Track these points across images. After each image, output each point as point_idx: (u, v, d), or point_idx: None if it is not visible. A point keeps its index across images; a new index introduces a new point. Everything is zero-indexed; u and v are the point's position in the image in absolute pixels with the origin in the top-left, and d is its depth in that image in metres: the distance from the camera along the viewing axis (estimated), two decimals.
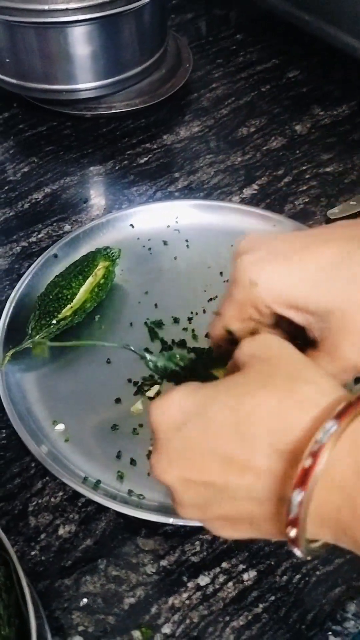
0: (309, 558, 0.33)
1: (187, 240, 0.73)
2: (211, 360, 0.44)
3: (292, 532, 0.31)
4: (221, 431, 0.33)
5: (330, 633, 0.48)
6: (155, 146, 0.85)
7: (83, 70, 0.81)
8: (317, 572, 0.51)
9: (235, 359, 0.37)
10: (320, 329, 0.39)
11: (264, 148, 0.85)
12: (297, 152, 0.84)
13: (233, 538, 0.45)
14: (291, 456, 0.31)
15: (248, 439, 0.32)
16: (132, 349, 0.50)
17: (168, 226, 0.74)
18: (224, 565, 0.51)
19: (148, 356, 0.45)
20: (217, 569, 0.51)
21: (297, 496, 0.30)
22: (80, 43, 0.78)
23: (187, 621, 0.49)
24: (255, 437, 0.32)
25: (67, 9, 0.73)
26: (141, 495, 0.53)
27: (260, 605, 0.49)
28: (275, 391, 0.33)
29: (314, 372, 0.34)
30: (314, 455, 0.30)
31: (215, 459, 0.33)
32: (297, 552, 0.32)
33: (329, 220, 0.76)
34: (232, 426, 0.32)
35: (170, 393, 0.36)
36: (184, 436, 0.34)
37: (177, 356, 0.44)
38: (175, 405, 0.35)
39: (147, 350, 0.51)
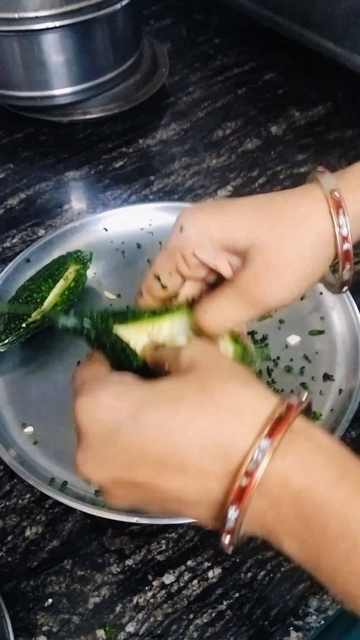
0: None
1: (160, 243, 0.73)
2: (121, 316, 0.44)
3: (226, 539, 0.32)
4: (155, 437, 0.32)
5: (291, 628, 0.48)
6: (131, 150, 0.86)
7: (57, 76, 0.82)
8: (282, 569, 0.51)
9: (176, 362, 0.37)
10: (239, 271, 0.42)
11: (240, 150, 0.85)
12: (272, 153, 0.85)
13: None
14: (225, 467, 0.31)
15: (183, 447, 0.32)
16: (52, 316, 0.48)
17: (142, 229, 0.74)
18: (189, 563, 0.51)
19: (61, 319, 0.44)
20: (183, 567, 0.51)
21: (234, 513, 0.31)
22: (53, 50, 0.79)
23: (152, 619, 0.49)
24: (190, 446, 0.32)
25: (37, 17, 0.74)
26: None
27: (225, 602, 0.49)
28: (211, 397, 0.33)
29: (246, 375, 0.35)
30: (250, 474, 0.30)
31: (147, 463, 0.33)
32: (228, 550, 0.33)
33: None
34: (167, 434, 0.32)
35: (100, 392, 0.35)
36: (116, 440, 0.33)
37: (87, 315, 0.43)
38: (106, 407, 0.34)
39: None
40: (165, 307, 0.46)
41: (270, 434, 0.30)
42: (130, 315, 0.44)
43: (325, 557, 0.30)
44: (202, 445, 0.31)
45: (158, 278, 0.45)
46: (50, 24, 0.75)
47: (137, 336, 0.43)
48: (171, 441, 0.32)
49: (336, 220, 0.40)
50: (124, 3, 0.79)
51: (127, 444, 0.33)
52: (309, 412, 0.34)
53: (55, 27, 0.76)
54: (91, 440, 0.34)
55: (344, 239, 0.40)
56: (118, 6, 0.79)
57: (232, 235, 0.41)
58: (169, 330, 0.44)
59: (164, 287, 0.45)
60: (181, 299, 0.46)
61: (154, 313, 0.45)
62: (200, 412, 0.32)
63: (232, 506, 0.31)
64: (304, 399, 0.33)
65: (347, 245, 0.40)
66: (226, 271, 0.43)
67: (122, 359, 0.42)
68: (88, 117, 0.87)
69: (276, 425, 0.31)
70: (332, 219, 0.40)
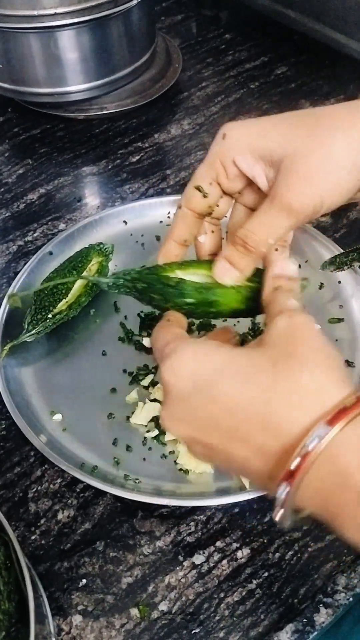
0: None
1: None
2: (160, 268, 0.45)
3: (278, 514, 0.34)
4: (226, 408, 0.35)
5: (321, 605, 0.49)
6: (146, 145, 0.87)
7: (74, 72, 0.83)
8: (309, 549, 0.52)
9: (266, 330, 0.38)
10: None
11: None
12: None
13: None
14: (283, 447, 0.33)
15: (248, 422, 0.34)
16: (90, 278, 0.49)
17: (160, 222, 0.76)
18: (218, 544, 0.53)
19: (103, 280, 0.46)
20: (212, 548, 0.52)
21: (284, 489, 0.32)
22: (70, 46, 0.80)
23: (183, 598, 0.50)
24: (255, 422, 0.34)
25: (55, 14, 0.75)
26: (137, 479, 0.55)
27: (254, 582, 0.51)
28: (286, 377, 0.34)
29: (329, 358, 0.35)
30: (304, 456, 0.32)
31: (217, 429, 0.35)
32: (282, 524, 0.34)
33: None
34: (236, 407, 0.34)
35: (182, 355, 0.37)
36: (193, 404, 0.36)
37: (127, 272, 0.45)
38: (187, 371, 0.36)
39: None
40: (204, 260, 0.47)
41: (331, 422, 0.31)
42: (176, 265, 0.45)
43: None
44: (265, 423, 0.33)
45: (198, 189, 0.45)
46: (68, 21, 0.76)
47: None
48: (239, 415, 0.34)
49: None
50: None
51: (202, 409, 0.36)
52: None
53: (73, 24, 0.77)
54: (174, 400, 0.37)
55: None
56: (134, 2, 0.80)
57: (269, 144, 0.41)
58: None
59: (205, 196, 0.45)
60: (219, 212, 0.47)
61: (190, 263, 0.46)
62: (270, 390, 0.33)
63: (282, 483, 0.32)
64: None
65: None
66: (262, 182, 0.43)
67: (177, 300, 0.44)
68: (104, 112, 0.88)
69: (339, 414, 0.31)
70: None
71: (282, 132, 0.42)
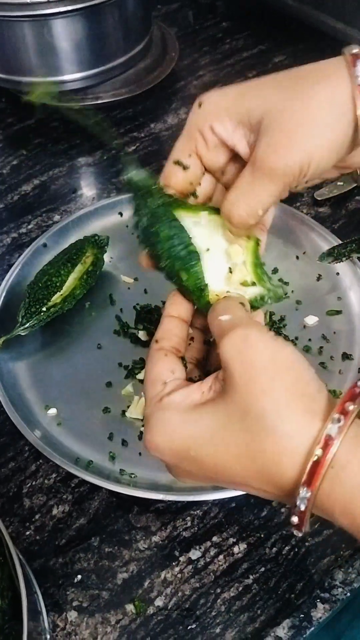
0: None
1: None
2: (180, 203, 0.42)
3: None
4: (217, 470, 0.35)
5: (318, 600, 0.49)
6: (142, 134, 0.86)
7: (68, 61, 0.82)
8: (307, 544, 0.52)
9: (219, 356, 0.37)
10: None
11: None
12: None
13: None
14: (284, 493, 0.34)
15: (244, 475, 0.35)
16: (125, 162, 0.45)
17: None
18: (215, 539, 0.52)
19: (132, 172, 0.42)
20: (208, 543, 0.52)
21: (304, 496, 0.33)
22: (64, 35, 0.79)
23: (180, 594, 0.50)
24: (250, 475, 0.34)
25: (48, 2, 0.74)
26: (133, 474, 0.54)
27: (251, 577, 0.50)
28: (258, 431, 0.34)
29: (288, 381, 0.34)
30: (299, 514, 0.33)
31: (218, 480, 0.36)
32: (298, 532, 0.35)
33: (316, 202, 0.77)
34: (226, 468, 0.35)
35: (156, 427, 0.37)
36: (186, 467, 0.37)
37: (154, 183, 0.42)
38: (164, 446, 0.36)
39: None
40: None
41: (309, 484, 0.32)
42: (188, 204, 0.43)
43: None
44: (259, 475, 0.34)
45: (178, 163, 0.42)
46: (62, 9, 0.75)
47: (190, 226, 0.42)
48: (230, 472, 0.35)
49: (352, 69, 0.37)
50: None
51: (195, 471, 0.37)
52: None
53: (66, 12, 0.76)
54: (169, 465, 0.38)
55: None
56: None
57: (248, 104, 0.39)
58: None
59: (185, 168, 0.42)
60: (202, 192, 0.44)
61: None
62: (251, 449, 0.34)
63: (299, 492, 0.33)
64: (348, 422, 0.32)
65: None
66: (244, 149, 0.41)
67: (176, 244, 0.41)
68: (99, 102, 0.87)
69: (314, 472, 0.32)
70: (349, 71, 0.37)
71: (260, 92, 0.39)
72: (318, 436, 0.32)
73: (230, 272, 0.43)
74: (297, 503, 0.32)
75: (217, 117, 0.40)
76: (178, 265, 0.42)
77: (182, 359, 0.41)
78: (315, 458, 0.32)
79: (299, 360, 0.35)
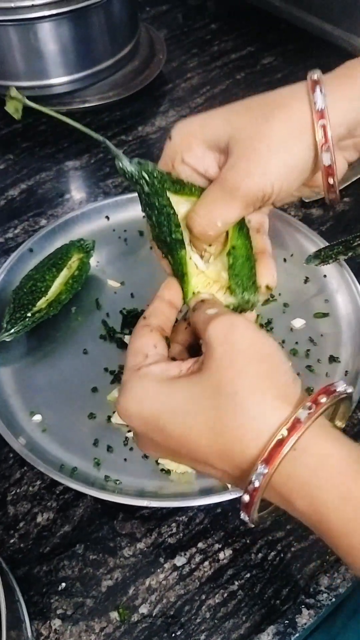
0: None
1: None
2: (177, 184, 0.43)
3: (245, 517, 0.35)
4: (182, 443, 0.36)
5: (303, 606, 0.48)
6: (130, 138, 0.85)
7: (54, 65, 0.82)
8: (292, 549, 0.51)
9: (203, 347, 0.38)
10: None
11: None
12: None
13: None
14: (243, 475, 0.35)
15: (207, 452, 0.36)
16: (110, 144, 0.45)
17: (144, 216, 0.73)
18: (200, 545, 0.52)
19: (122, 160, 0.43)
20: (193, 549, 0.52)
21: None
22: (50, 38, 0.79)
23: (164, 601, 0.49)
24: (213, 453, 0.35)
25: (33, 5, 0.74)
26: (118, 480, 0.54)
27: (236, 583, 0.50)
28: (227, 410, 0.35)
29: (263, 367, 0.36)
30: (251, 492, 0.34)
31: (182, 455, 0.37)
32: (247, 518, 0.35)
33: (304, 204, 0.77)
34: (191, 441, 0.36)
35: (128, 393, 0.37)
36: (153, 438, 0.37)
37: (149, 166, 0.42)
38: (135, 412, 0.37)
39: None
40: None
41: (268, 461, 0.33)
42: (187, 188, 0.44)
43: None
44: (221, 454, 0.35)
45: None
46: (47, 12, 0.75)
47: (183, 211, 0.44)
48: (195, 447, 0.36)
49: (312, 96, 0.39)
50: None
51: (162, 443, 0.37)
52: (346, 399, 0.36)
53: (52, 15, 0.76)
54: (137, 434, 0.39)
55: (320, 114, 0.39)
56: None
57: (214, 131, 0.41)
58: None
59: None
60: None
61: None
62: (218, 425, 0.35)
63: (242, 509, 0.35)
64: (319, 410, 0.33)
65: (322, 122, 0.39)
66: (214, 172, 0.43)
67: (164, 229, 0.43)
68: (86, 105, 0.87)
69: (274, 450, 0.33)
70: (309, 98, 0.39)
71: (228, 117, 0.41)
72: (286, 419, 0.33)
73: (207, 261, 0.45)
74: (252, 479, 0.33)
75: (186, 148, 0.42)
76: (165, 251, 0.45)
77: (166, 339, 0.42)
78: (279, 437, 0.33)
79: (278, 352, 0.37)
